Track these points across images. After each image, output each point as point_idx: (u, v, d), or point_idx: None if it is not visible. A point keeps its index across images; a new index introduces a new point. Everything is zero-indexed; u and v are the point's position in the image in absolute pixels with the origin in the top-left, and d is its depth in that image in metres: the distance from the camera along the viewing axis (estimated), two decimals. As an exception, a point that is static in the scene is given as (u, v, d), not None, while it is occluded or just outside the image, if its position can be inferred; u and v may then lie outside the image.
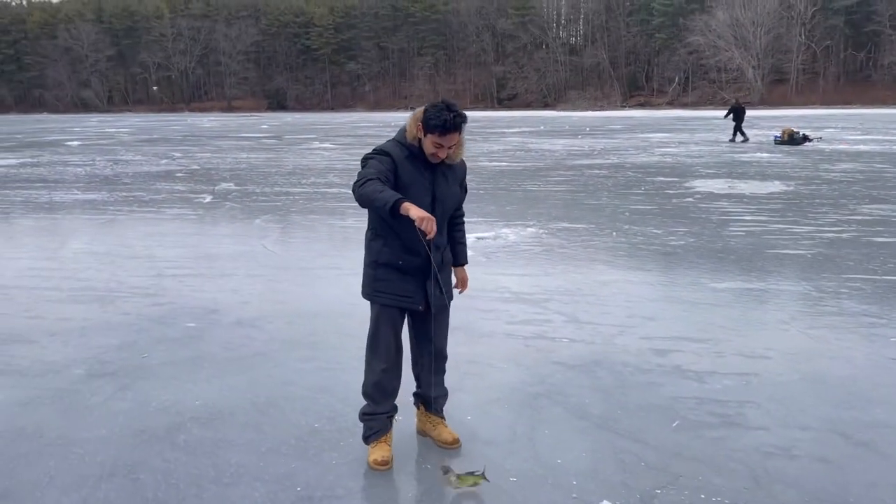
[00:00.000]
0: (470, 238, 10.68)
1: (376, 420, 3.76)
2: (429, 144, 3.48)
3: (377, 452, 3.70)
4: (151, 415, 4.36)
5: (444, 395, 4.05)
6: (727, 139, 29.55)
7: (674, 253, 9.43)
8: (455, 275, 3.99)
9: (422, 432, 4.06)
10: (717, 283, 7.85)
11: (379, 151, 3.51)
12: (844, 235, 10.34)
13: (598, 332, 6.12)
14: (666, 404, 4.56)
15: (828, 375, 5.06)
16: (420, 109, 3.54)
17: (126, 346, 5.70)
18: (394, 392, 3.85)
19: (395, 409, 3.88)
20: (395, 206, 3.18)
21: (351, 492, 3.53)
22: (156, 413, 4.39)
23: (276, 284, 8.08)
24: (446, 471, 3.44)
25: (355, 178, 3.42)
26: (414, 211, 3.17)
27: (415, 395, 4.06)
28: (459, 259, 3.99)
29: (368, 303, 3.80)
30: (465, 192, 3.89)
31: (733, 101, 33.01)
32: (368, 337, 3.80)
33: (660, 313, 6.80)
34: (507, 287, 7.79)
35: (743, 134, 29.19)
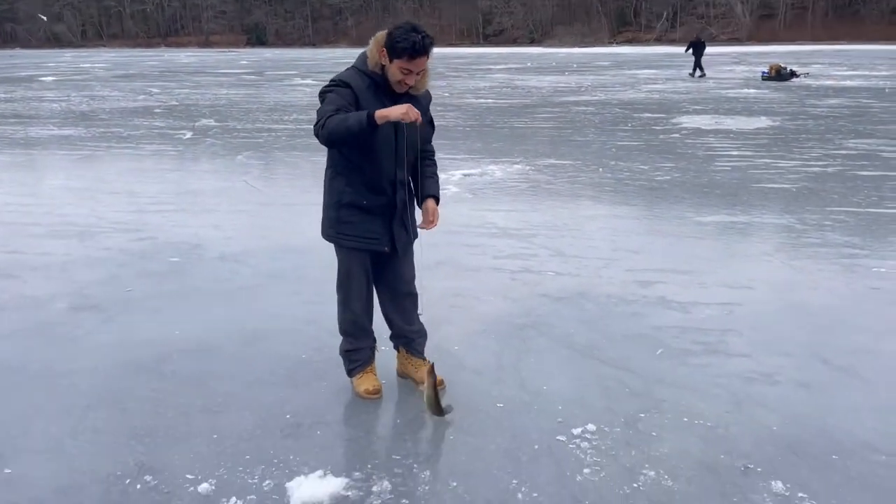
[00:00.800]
0: (456, 175, 10.59)
1: (359, 353, 3.71)
2: (395, 71, 3.16)
3: (366, 382, 3.67)
4: (137, 347, 4.34)
5: (422, 334, 3.87)
6: (689, 73, 29.58)
7: (659, 188, 9.42)
8: (423, 209, 3.58)
9: (403, 374, 3.93)
10: (702, 217, 7.87)
11: (337, 82, 3.20)
12: (829, 170, 10.36)
13: (583, 265, 6.14)
14: (650, 334, 4.60)
15: (810, 304, 5.12)
16: (382, 33, 3.22)
17: (109, 280, 5.64)
18: (371, 326, 3.74)
19: (374, 341, 3.80)
20: (372, 121, 2.97)
21: (340, 418, 3.56)
22: (141, 345, 4.37)
23: (260, 220, 8.00)
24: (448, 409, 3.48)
25: (316, 119, 3.16)
26: (394, 112, 2.97)
27: (391, 337, 3.90)
28: (427, 190, 3.54)
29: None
30: (433, 126, 3.59)
31: (693, 35, 32.97)
32: (339, 279, 3.63)
33: (644, 247, 6.82)
34: (493, 223, 7.76)
35: (702, 69, 29.10)
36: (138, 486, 2.92)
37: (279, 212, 8.47)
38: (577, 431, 3.37)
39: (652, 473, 3.04)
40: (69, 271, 5.90)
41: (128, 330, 4.62)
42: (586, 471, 3.05)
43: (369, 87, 3.22)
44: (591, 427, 3.40)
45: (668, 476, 3.02)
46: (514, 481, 2.98)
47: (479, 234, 7.21)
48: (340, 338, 3.76)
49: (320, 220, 3.56)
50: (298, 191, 9.77)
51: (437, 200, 3.57)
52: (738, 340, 4.48)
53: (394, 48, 3.12)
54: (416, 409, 3.61)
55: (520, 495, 2.87)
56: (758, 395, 3.75)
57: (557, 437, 3.32)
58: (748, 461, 3.14)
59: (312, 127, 3.21)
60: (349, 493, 2.89)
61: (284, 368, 4.05)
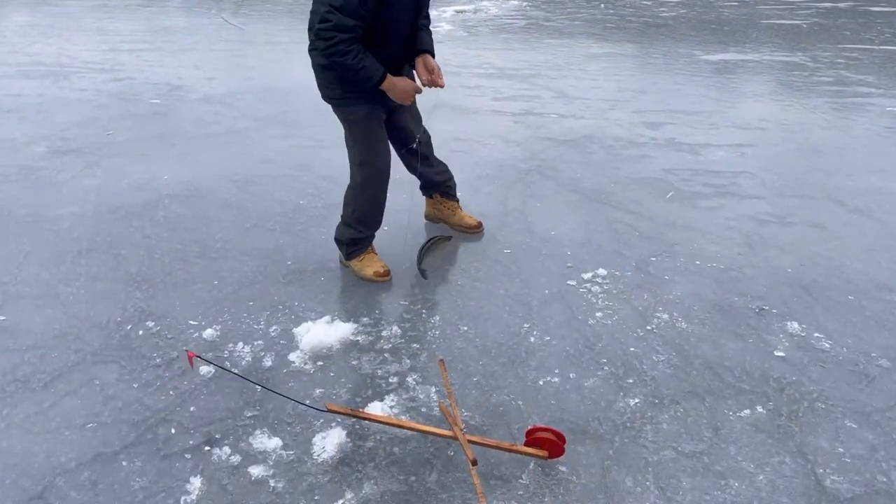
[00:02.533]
0: (448, 11, 9.95)
1: (365, 240, 3.31)
2: None
3: (373, 264, 3.27)
4: (125, 192, 4.14)
5: (451, 176, 3.68)
6: None
7: (665, 25, 8.90)
8: (421, 65, 3.05)
9: (436, 219, 3.77)
10: (711, 56, 7.49)
11: None
12: (841, 5, 9.81)
13: (588, 106, 5.85)
14: (659, 177, 4.44)
15: (823, 145, 4.94)
16: None
17: (87, 122, 5.33)
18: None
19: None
20: (377, 85, 2.88)
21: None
22: (129, 190, 4.16)
23: (242, 60, 7.53)
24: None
25: (323, 20, 2.75)
26: (398, 88, 2.94)
27: (422, 187, 3.71)
28: (422, 44, 3.06)
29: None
30: None
31: None
32: (359, 149, 3.10)
33: (651, 87, 6.51)
34: (491, 62, 7.34)
35: None
36: (140, 333, 2.83)
37: (262, 51, 7.97)
38: (587, 276, 3.28)
39: (665, 316, 2.98)
40: (45, 113, 5.55)
41: (113, 174, 4.39)
42: (598, 314, 2.99)
43: None
44: (601, 271, 3.32)
45: (682, 318, 2.97)
46: (526, 325, 2.92)
47: (476, 75, 6.83)
48: (338, 184, 3.44)
49: (315, 79, 3.07)
50: (281, 28, 9.16)
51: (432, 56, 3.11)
52: (751, 182, 4.33)
53: None
54: (415, 270, 3.49)
55: (532, 339, 2.82)
56: (771, 236, 3.66)
57: (568, 282, 3.24)
58: (763, 303, 3.09)
59: (318, 30, 2.77)
60: (358, 338, 2.82)
61: (280, 215, 3.88)
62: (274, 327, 2.88)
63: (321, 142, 4.88)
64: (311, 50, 2.98)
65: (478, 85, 6.46)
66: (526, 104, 5.90)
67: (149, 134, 5.11)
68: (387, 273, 3.25)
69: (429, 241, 3.57)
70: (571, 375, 2.62)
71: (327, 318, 2.93)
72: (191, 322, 2.91)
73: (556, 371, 2.64)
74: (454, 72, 6.88)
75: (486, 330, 2.89)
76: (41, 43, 7.97)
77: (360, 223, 3.24)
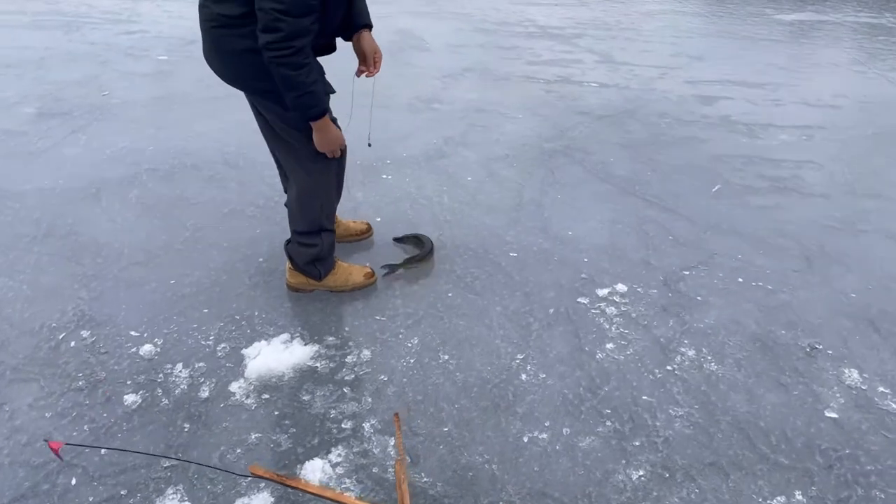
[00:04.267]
0: (493, -43, 9.00)
1: (332, 248, 2.74)
2: None
3: (357, 269, 2.80)
4: (103, 164, 3.77)
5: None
6: None
7: (736, -22, 8.00)
8: (357, 46, 2.43)
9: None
10: (783, 15, 6.63)
11: None
12: (945, -41, 8.65)
13: (634, 74, 5.20)
14: (707, 164, 3.82)
15: (909, 132, 4.21)
16: None
17: (86, 80, 4.97)
18: None
19: None
20: (317, 116, 2.27)
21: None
22: (108, 162, 3.79)
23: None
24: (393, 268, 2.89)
25: (272, 29, 2.02)
26: (328, 136, 2.36)
27: None
28: (361, 17, 2.41)
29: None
30: None
31: None
32: (312, 147, 2.41)
33: (711, 51, 5.77)
34: (532, 19, 6.68)
35: None
36: (72, 344, 2.46)
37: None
38: (603, 292, 2.76)
39: (691, 352, 2.45)
40: (46, 68, 5.22)
41: (96, 143, 4.02)
42: (609, 346, 2.48)
43: None
44: (621, 287, 2.79)
45: (712, 356, 2.43)
46: (520, 356, 2.43)
47: (514, 34, 6.20)
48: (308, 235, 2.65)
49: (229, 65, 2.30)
50: None
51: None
52: (817, 176, 3.67)
53: None
54: (401, 270, 3.02)
55: (524, 375, 2.34)
56: (835, 249, 3.05)
57: (578, 300, 2.72)
58: (815, 339, 2.52)
59: (268, 43, 2.04)
60: (317, 364, 2.39)
61: (265, 198, 3.45)
62: (223, 345, 2.47)
63: (329, 110, 4.40)
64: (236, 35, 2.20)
65: (514, 46, 5.84)
66: (563, 70, 5.28)
67: (146, 96, 4.72)
68: (373, 273, 2.83)
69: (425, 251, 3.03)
70: (565, 431, 2.13)
71: (285, 336, 2.50)
72: (131, 333, 2.52)
73: (547, 423, 2.15)
74: (490, 30, 6.27)
75: (471, 360, 2.42)
76: (65, -10, 7.66)
77: (324, 230, 2.65)
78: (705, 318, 2.63)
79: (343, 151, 2.55)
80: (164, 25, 6.35)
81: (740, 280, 2.85)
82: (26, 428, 2.13)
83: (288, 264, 2.75)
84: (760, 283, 2.83)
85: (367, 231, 3.15)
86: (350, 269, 2.80)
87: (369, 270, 2.82)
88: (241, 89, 2.40)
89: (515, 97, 4.76)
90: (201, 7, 2.27)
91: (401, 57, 5.66)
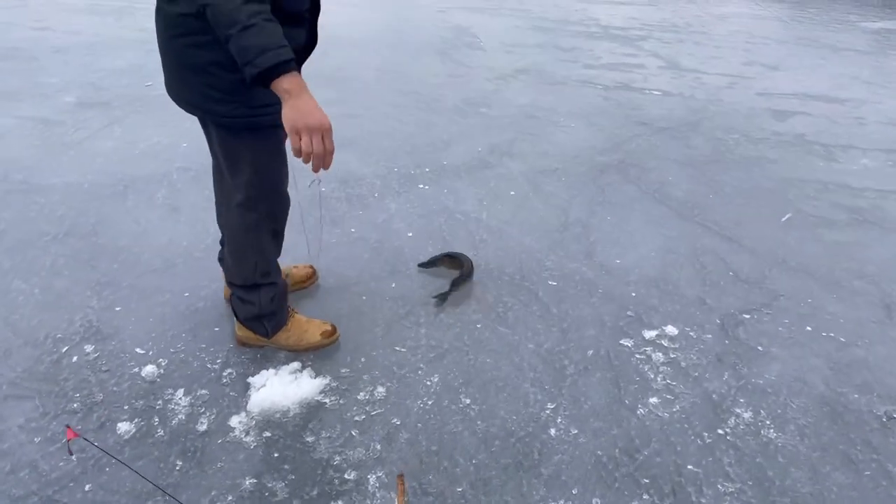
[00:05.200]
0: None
1: (283, 297, 2.36)
2: None
3: (312, 330, 2.39)
4: (135, 160, 3.65)
5: None
6: None
7: (819, -20, 7.48)
8: None
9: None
10: (870, 23, 6.13)
11: None
12: None
13: (701, 82, 4.84)
14: (776, 189, 3.48)
15: None
16: None
17: (131, 69, 4.89)
18: None
19: None
20: (276, 68, 1.57)
21: (342, 284, 2.80)
22: (141, 158, 3.67)
23: (323, 4, 6.85)
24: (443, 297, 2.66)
25: None
26: (303, 107, 1.61)
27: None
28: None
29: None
30: None
31: None
32: (255, 181, 2.05)
33: (788, 60, 5.34)
34: (595, 18, 6.34)
35: None
36: (75, 359, 2.32)
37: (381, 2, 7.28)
38: (650, 335, 2.48)
39: (747, 414, 2.16)
40: (93, 55, 5.17)
41: (132, 136, 3.92)
42: (653, 400, 2.21)
43: None
44: (670, 330, 2.50)
45: (772, 420, 2.13)
46: (551, 405, 2.18)
47: (574, 34, 5.88)
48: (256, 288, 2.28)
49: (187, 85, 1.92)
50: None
51: None
52: (902, 210, 3.30)
53: None
54: (427, 295, 2.80)
55: (553, 430, 2.08)
56: (921, 299, 2.69)
57: (621, 342, 2.45)
58: (894, 407, 2.19)
59: None
60: (327, 399, 2.18)
61: (297, 203, 3.26)
62: (229, 371, 2.29)
63: (370, 109, 4.20)
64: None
65: (573, 47, 5.53)
66: (624, 75, 4.95)
67: (189, 87, 4.59)
68: (334, 329, 2.41)
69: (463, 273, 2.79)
70: (595, 502, 1.87)
71: (296, 364, 2.31)
72: (136, 350, 2.37)
73: (575, 491, 1.90)
74: (548, 28, 5.97)
75: (495, 406, 2.18)
76: (126, -27, 7.67)
77: (267, 276, 2.26)
78: (766, 373, 2.32)
79: (281, 194, 2.15)
80: (217, 14, 6.27)
81: (808, 329, 2.53)
82: (13, 453, 1.98)
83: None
84: (832, 334, 2.50)
85: (312, 277, 2.74)
86: (307, 325, 2.40)
87: (329, 328, 2.41)
88: (201, 114, 1.97)
89: (570, 103, 4.46)
90: (157, 13, 1.85)
91: (452, 56, 5.42)
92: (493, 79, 4.81)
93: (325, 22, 6.19)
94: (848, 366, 2.36)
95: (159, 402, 2.17)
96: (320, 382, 2.24)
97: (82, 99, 4.39)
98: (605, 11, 6.50)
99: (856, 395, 2.24)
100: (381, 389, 2.23)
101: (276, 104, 1.65)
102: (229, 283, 2.33)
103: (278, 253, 2.33)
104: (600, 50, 5.47)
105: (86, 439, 1.78)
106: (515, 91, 4.58)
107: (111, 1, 6.59)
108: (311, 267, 2.78)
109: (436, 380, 2.28)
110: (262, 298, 2.27)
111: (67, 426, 1.52)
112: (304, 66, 1.91)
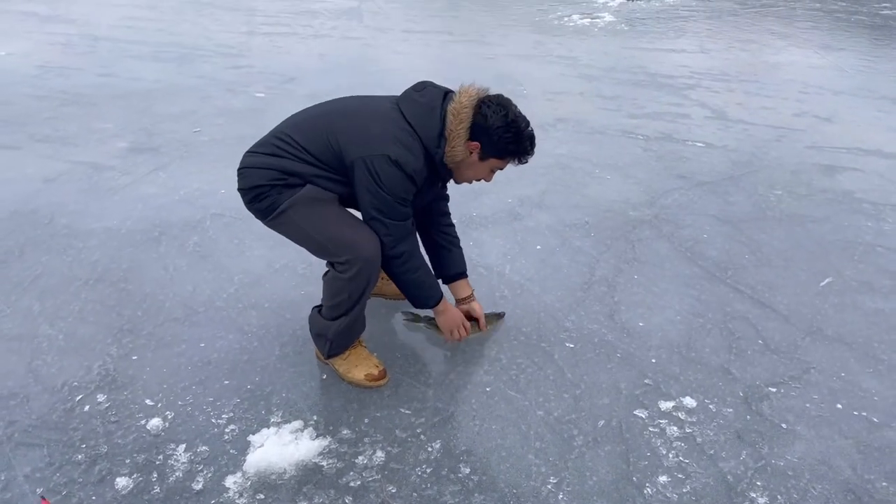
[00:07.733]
0: (616, 1, 8.70)
1: (358, 325, 2.51)
2: (483, 169, 2.36)
3: (364, 364, 2.50)
4: (173, 206, 3.76)
5: None
6: None
7: (885, 26, 7.22)
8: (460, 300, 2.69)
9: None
10: (937, 72, 5.87)
11: (409, 175, 2.23)
12: None
13: (748, 134, 4.70)
14: (818, 250, 3.32)
15: None
16: (466, 114, 2.24)
17: (183, 115, 5.07)
18: None
19: None
20: (433, 305, 2.49)
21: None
22: (178, 204, 3.78)
23: (371, 50, 7.03)
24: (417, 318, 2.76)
25: (387, 228, 2.27)
26: (449, 316, 2.54)
27: None
28: (456, 266, 2.67)
29: None
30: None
31: None
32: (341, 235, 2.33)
33: (842, 112, 5.15)
34: (643, 66, 6.27)
35: None
36: (87, 408, 2.37)
37: (395, 38, 7.43)
38: (666, 406, 2.37)
39: (762, 500, 2.02)
40: (150, 101, 5.39)
41: (174, 182, 4.04)
42: (663, 478, 2.09)
43: (427, 178, 2.35)
44: (689, 402, 2.38)
45: (790, 508, 2.00)
46: (553, 480, 2.09)
47: (619, 82, 5.82)
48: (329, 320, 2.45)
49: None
50: (424, 15, 8.58)
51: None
52: (954, 277, 3.09)
53: (504, 148, 2.28)
54: (441, 353, 2.75)
55: (553, 506, 2.00)
56: (969, 378, 2.49)
57: (636, 412, 2.35)
58: (929, 501, 2.02)
59: (384, 234, 2.28)
60: (324, 462, 2.16)
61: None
62: (232, 427, 2.30)
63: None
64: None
65: (616, 95, 5.47)
66: (668, 125, 4.85)
67: (234, 134, 4.74)
68: (382, 375, 2.49)
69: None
70: (588, 590, 1.78)
71: (298, 423, 2.29)
72: (147, 402, 2.40)
73: (568, 577, 1.81)
74: (594, 76, 5.93)
75: (495, 478, 2.11)
76: (190, 22, 8.02)
77: (350, 311, 2.39)
78: (788, 454, 2.18)
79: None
80: (271, 60, 6.47)
81: (839, 406, 2.38)
82: (15, 503, 2.02)
83: None
84: (864, 413, 2.34)
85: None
86: (361, 360, 2.50)
87: (376, 372, 2.46)
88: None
89: (607, 154, 4.40)
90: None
91: (496, 102, 5.43)
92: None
93: (374, 69, 6.29)
94: (879, 450, 2.20)
95: (160, 456, 2.18)
96: (320, 444, 2.22)
97: (134, 144, 4.57)
98: (654, 59, 6.42)
99: (884, 483, 2.08)
100: (380, 454, 2.19)
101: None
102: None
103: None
104: (645, 99, 5.40)
105: None
106: (553, 140, 4.54)
107: (173, 48, 6.90)
108: None
109: (437, 446, 2.23)
110: (336, 325, 2.41)
111: (42, 497, 1.53)
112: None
